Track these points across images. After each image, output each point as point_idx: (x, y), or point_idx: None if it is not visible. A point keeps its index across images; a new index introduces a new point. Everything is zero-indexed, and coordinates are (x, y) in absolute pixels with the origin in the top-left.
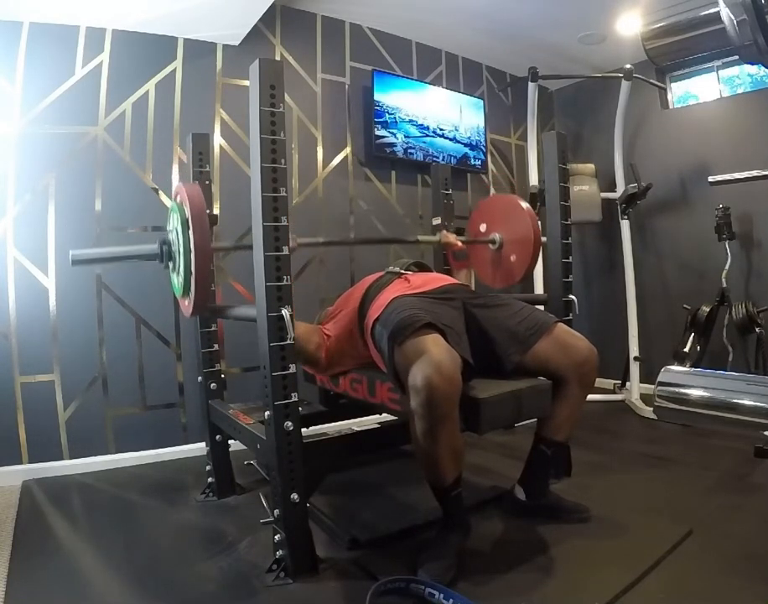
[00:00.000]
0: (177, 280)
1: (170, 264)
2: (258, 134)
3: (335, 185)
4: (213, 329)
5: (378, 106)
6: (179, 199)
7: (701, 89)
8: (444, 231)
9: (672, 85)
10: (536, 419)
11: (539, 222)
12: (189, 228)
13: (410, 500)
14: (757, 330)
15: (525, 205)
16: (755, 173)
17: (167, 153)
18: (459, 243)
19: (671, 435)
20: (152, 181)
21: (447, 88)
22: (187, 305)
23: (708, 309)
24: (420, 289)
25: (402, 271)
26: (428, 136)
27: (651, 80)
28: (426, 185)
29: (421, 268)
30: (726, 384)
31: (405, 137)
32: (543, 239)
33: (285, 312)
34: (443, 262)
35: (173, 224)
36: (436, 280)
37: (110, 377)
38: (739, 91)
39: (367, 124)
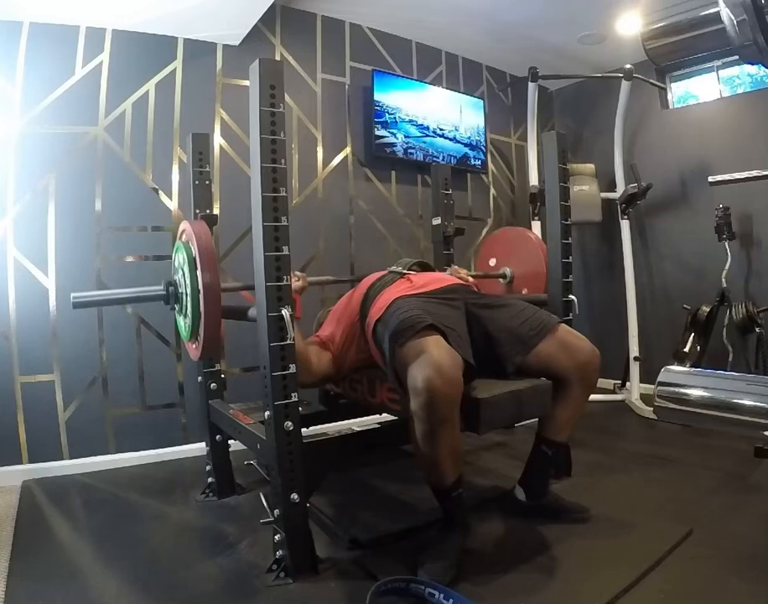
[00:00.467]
0: (184, 323)
1: (176, 306)
2: (258, 134)
3: (335, 185)
4: None
5: (378, 106)
6: (184, 237)
7: (701, 89)
8: (455, 266)
9: (672, 85)
10: (536, 419)
11: (541, 230)
12: (196, 267)
13: (410, 500)
14: (757, 330)
15: (534, 236)
16: (755, 173)
17: (167, 153)
18: (470, 279)
19: (671, 435)
20: (152, 181)
21: (447, 88)
22: (195, 349)
23: (708, 309)
24: (422, 290)
25: (405, 271)
26: (428, 136)
27: (651, 80)
28: (426, 185)
29: (423, 267)
30: (726, 384)
31: (405, 137)
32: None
33: (285, 312)
34: (444, 261)
35: (179, 263)
36: (438, 280)
37: (110, 377)
38: (739, 91)
39: (367, 124)
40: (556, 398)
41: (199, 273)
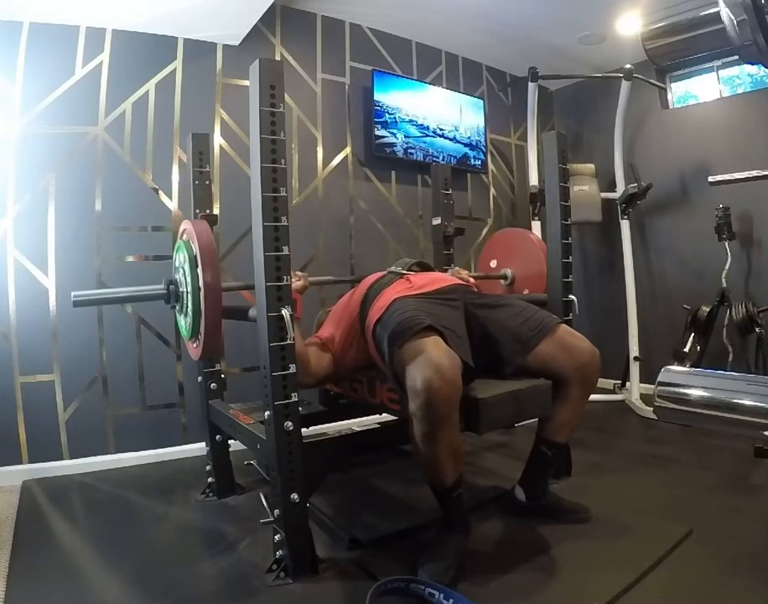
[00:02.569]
0: (184, 322)
1: (177, 305)
2: (258, 134)
3: (335, 185)
4: None
5: (378, 106)
6: (185, 236)
7: (701, 89)
8: (457, 268)
9: (672, 85)
10: (536, 419)
11: (541, 230)
12: (197, 266)
13: (410, 500)
14: (757, 330)
15: (536, 238)
16: (755, 173)
17: (167, 153)
18: (471, 279)
19: (671, 435)
20: (152, 181)
21: (447, 88)
22: (195, 348)
23: (708, 309)
24: (421, 290)
25: (404, 271)
26: (428, 136)
27: (651, 80)
28: (426, 185)
29: (423, 267)
30: (726, 384)
31: (405, 137)
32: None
33: (285, 312)
34: (444, 261)
35: (180, 263)
36: (438, 281)
37: (110, 377)
38: (739, 91)
39: (367, 124)
40: (556, 398)
41: (199, 271)
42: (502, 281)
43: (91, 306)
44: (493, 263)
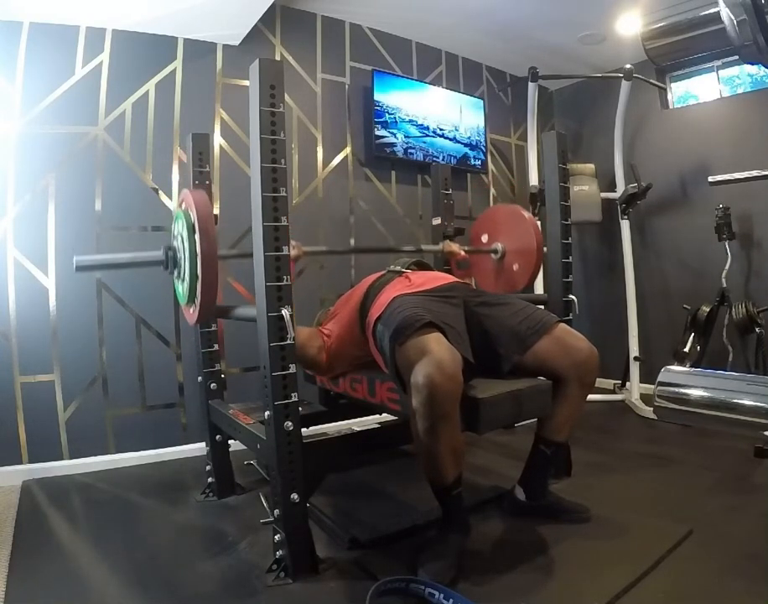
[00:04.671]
0: (182, 287)
1: (175, 271)
2: (258, 134)
3: (335, 185)
4: (213, 329)
5: (378, 106)
6: (183, 205)
7: (701, 89)
8: (447, 241)
9: (672, 85)
10: (536, 419)
11: (541, 230)
12: (195, 232)
13: (410, 500)
14: (757, 330)
15: (527, 214)
16: (755, 173)
17: (167, 153)
18: (462, 252)
19: (671, 435)
20: (152, 181)
21: (447, 88)
22: (192, 313)
23: (708, 309)
24: (421, 288)
25: (403, 270)
26: (428, 136)
27: (651, 80)
28: (426, 185)
29: (421, 266)
30: (726, 384)
31: (405, 137)
32: (545, 249)
33: (285, 312)
34: (443, 260)
35: (178, 230)
36: (437, 279)
37: (110, 377)
38: (739, 91)
39: (367, 124)
40: (554, 397)
41: (197, 237)
42: (493, 255)
43: (92, 271)
44: (484, 238)
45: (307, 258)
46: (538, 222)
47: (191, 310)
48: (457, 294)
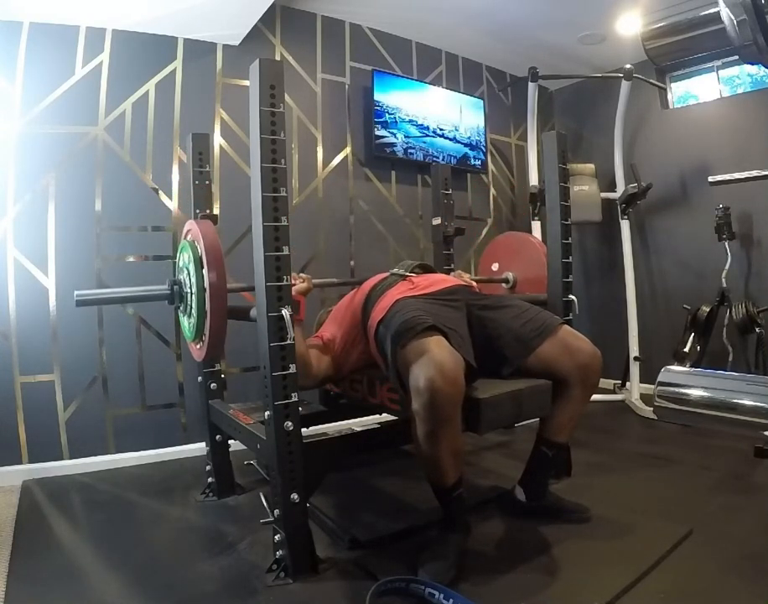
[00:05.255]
0: (188, 323)
1: (181, 305)
2: (258, 134)
3: (335, 185)
4: None
5: (378, 106)
6: (189, 236)
7: (701, 89)
8: (459, 271)
9: (672, 85)
10: (537, 420)
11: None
12: (202, 266)
13: (410, 500)
14: (757, 330)
15: (537, 241)
16: (755, 173)
17: (167, 153)
18: (474, 283)
19: (671, 435)
20: (152, 181)
21: (447, 88)
22: (199, 350)
23: (708, 309)
24: (424, 291)
25: (407, 273)
26: (428, 136)
27: (651, 80)
28: (426, 185)
29: (425, 269)
30: (726, 384)
31: (405, 137)
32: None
33: (285, 312)
34: (444, 261)
35: (184, 263)
36: (440, 282)
37: (110, 377)
38: (739, 91)
39: (367, 124)
40: (557, 398)
41: (205, 272)
42: (504, 285)
43: (94, 306)
44: (495, 267)
45: (308, 257)
46: (539, 221)
47: (198, 347)
48: (460, 297)
